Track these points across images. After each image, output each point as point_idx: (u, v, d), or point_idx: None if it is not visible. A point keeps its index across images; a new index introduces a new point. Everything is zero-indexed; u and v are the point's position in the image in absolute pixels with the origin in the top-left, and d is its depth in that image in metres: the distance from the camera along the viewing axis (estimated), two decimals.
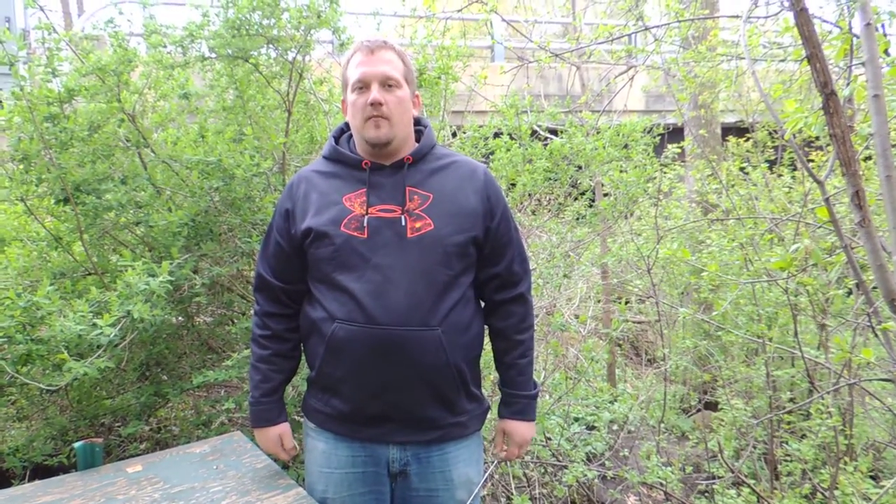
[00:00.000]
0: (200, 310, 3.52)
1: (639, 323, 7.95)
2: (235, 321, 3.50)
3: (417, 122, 2.00)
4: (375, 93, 1.81)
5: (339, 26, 2.79)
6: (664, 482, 3.15)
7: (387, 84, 1.84)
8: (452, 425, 1.91)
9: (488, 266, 1.96)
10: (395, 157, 1.90)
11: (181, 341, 3.36)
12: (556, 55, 4.41)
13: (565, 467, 3.25)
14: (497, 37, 10.31)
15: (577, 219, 4.66)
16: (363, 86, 1.84)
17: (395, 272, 1.77)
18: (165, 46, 2.88)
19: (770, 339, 3.15)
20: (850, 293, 4.34)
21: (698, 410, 6.32)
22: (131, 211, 2.99)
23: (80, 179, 2.70)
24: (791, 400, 3.63)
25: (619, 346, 7.41)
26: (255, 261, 3.29)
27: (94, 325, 2.20)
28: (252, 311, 2.02)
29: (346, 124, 2.04)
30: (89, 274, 2.95)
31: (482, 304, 2.04)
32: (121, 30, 2.87)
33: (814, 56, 1.52)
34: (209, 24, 2.92)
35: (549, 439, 3.52)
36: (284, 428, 1.99)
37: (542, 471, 3.49)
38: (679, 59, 3.87)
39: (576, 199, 4.38)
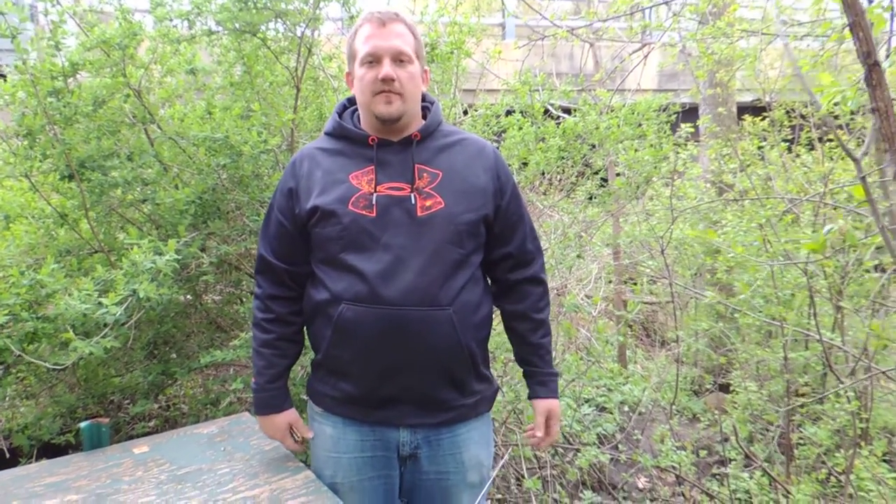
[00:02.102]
0: (209, 288, 3.48)
1: (649, 304, 7.88)
2: (244, 300, 3.47)
3: (423, 98, 1.94)
4: (388, 68, 1.75)
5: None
6: (677, 465, 3.11)
7: (398, 59, 1.78)
8: (463, 406, 1.88)
9: (500, 245, 1.92)
10: (403, 134, 1.84)
11: (189, 320, 3.34)
12: (571, 31, 4.30)
13: (578, 450, 3.21)
14: (509, 13, 10.17)
15: (590, 198, 4.59)
16: (374, 60, 1.77)
17: (405, 251, 1.72)
18: (171, 20, 2.81)
19: (786, 322, 3.08)
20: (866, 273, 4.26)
21: (709, 392, 6.28)
22: (138, 188, 2.95)
23: (84, 156, 2.65)
24: (806, 384, 3.57)
25: (630, 327, 7.36)
26: None
27: (100, 303, 2.17)
28: (253, 294, 1.95)
29: (350, 99, 1.98)
30: (96, 252, 2.92)
31: (494, 285, 2.01)
32: (126, 3, 2.80)
33: (856, 25, 1.43)
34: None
35: (561, 421, 3.48)
36: (292, 415, 1.95)
37: (553, 452, 3.46)
38: (698, 34, 3.76)
39: (588, 178, 4.30)
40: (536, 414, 2.00)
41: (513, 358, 2.26)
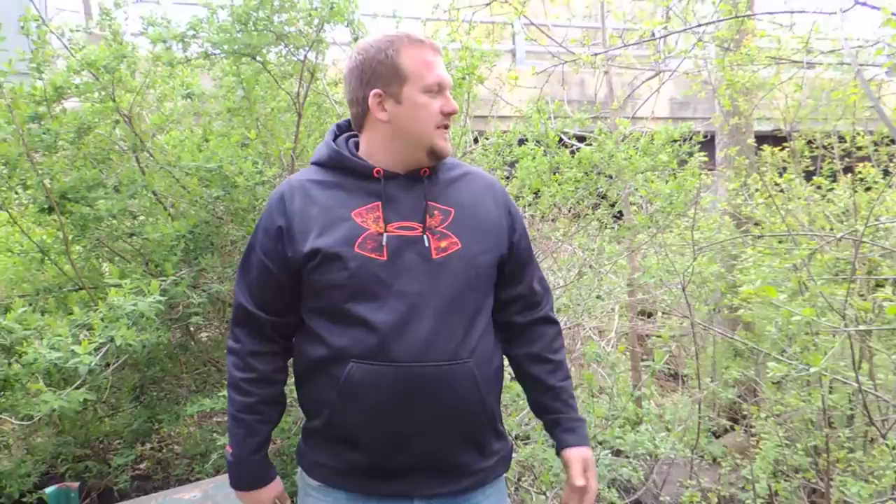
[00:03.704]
0: (202, 327, 3.27)
1: (661, 337, 7.64)
2: None
3: None
4: (454, 102, 1.60)
5: (355, 20, 2.53)
6: None
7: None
8: (482, 470, 1.66)
9: (511, 286, 1.74)
10: (413, 167, 1.63)
11: (180, 361, 3.12)
12: (596, 55, 4.13)
13: None
14: (519, 40, 10.08)
15: (600, 228, 4.40)
16: (440, 89, 1.60)
17: (420, 299, 1.52)
18: (166, 42, 2.63)
19: (826, 370, 2.85)
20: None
21: (726, 431, 6.01)
22: (127, 222, 2.76)
23: (66, 187, 2.45)
24: (841, 436, 3.32)
25: (643, 359, 7.11)
26: None
27: (73, 352, 1.95)
28: (227, 349, 1.69)
29: (346, 125, 1.76)
30: (79, 289, 2.72)
31: (503, 329, 1.80)
32: (117, 23, 2.64)
33: None
34: (214, 20, 2.68)
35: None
36: (279, 486, 1.71)
37: None
38: (724, 61, 3.59)
39: (605, 210, 4.09)
40: (571, 465, 1.71)
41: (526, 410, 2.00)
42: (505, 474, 1.77)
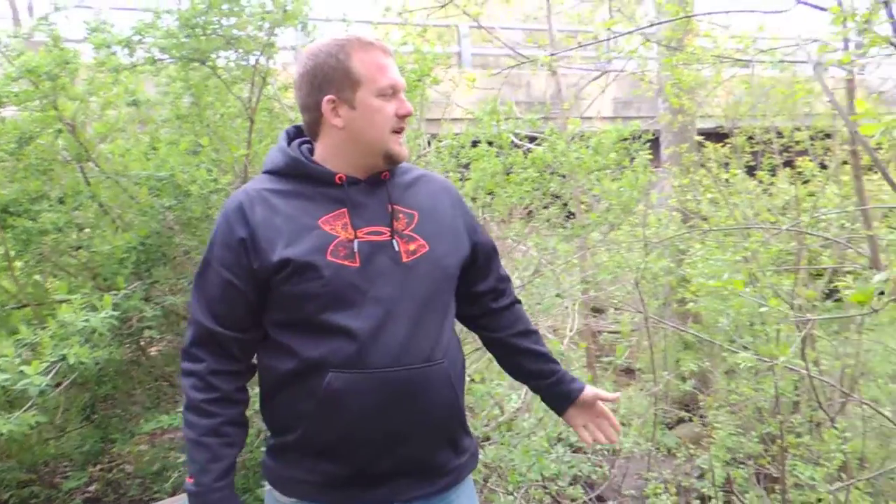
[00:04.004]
0: (154, 341, 3.17)
1: (614, 333, 7.78)
2: None
3: None
4: (409, 104, 1.58)
5: (308, 23, 2.49)
6: None
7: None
8: (456, 468, 1.66)
9: (483, 279, 1.79)
10: (371, 172, 1.61)
11: (132, 377, 3.01)
12: (553, 55, 4.18)
13: None
14: (462, 44, 10.15)
15: (552, 227, 4.46)
16: (393, 92, 1.57)
17: (395, 304, 1.51)
18: (110, 47, 2.54)
19: (775, 358, 2.94)
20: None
21: (678, 423, 6.15)
22: (73, 235, 2.65)
23: (6, 199, 2.34)
24: (810, 421, 3.45)
25: (597, 357, 7.23)
26: None
27: (22, 372, 1.86)
28: (183, 371, 1.59)
29: (294, 131, 1.72)
30: (23, 306, 2.59)
31: (480, 319, 1.85)
32: (56, 28, 2.53)
33: None
34: (160, 24, 2.60)
35: (551, 479, 3.24)
36: None
37: None
38: (672, 60, 3.67)
39: (559, 210, 4.14)
40: (596, 393, 1.79)
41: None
42: (474, 470, 1.79)
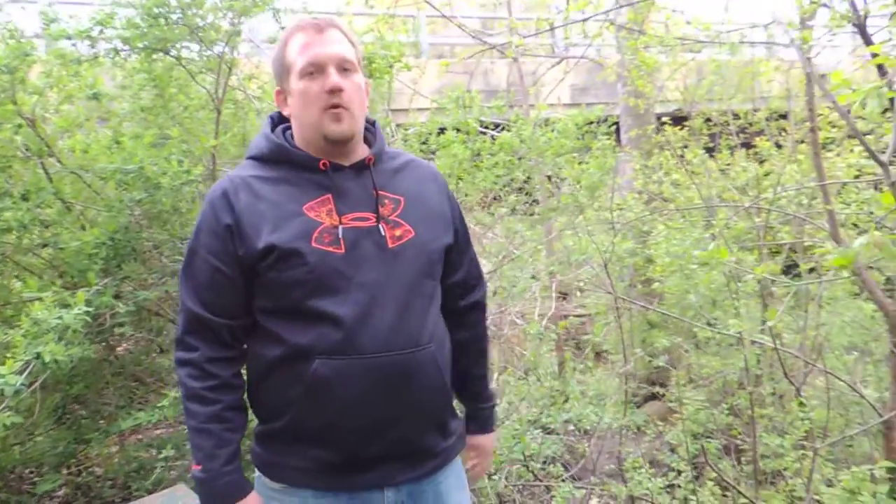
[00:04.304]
0: (123, 338, 3.10)
1: (580, 317, 7.89)
2: (165, 349, 3.12)
3: None
4: (335, 77, 1.51)
5: (279, 11, 2.46)
6: (649, 492, 2.99)
7: (342, 68, 1.54)
8: (444, 451, 1.67)
9: (454, 272, 1.77)
10: (352, 157, 1.61)
11: (102, 377, 2.95)
12: (526, 37, 4.21)
13: (549, 487, 3.04)
14: (418, 33, 10.13)
15: (514, 212, 4.51)
16: (316, 70, 1.52)
17: (380, 289, 1.51)
18: (69, 38, 2.46)
19: (740, 332, 3.04)
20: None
21: (645, 401, 6.29)
22: (36, 231, 2.58)
23: None
24: (773, 393, 3.56)
25: (565, 340, 7.33)
26: None
27: None
28: (177, 361, 1.59)
29: (278, 117, 1.70)
30: None
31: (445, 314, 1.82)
32: (12, 21, 2.45)
33: None
34: (120, 14, 2.53)
35: (531, 457, 3.29)
36: (257, 500, 1.59)
37: (521, 489, 3.27)
38: (637, 43, 3.73)
39: (528, 195, 4.19)
40: (467, 450, 1.84)
41: None
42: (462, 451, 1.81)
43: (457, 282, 1.77)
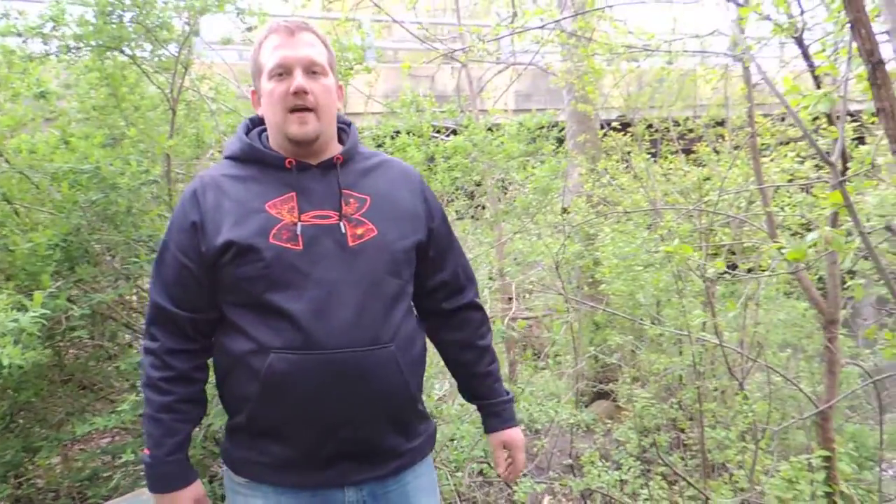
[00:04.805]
0: (73, 344, 3.01)
1: (527, 319, 8.01)
2: (118, 354, 3.04)
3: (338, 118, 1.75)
4: (300, 79, 1.55)
5: (244, 10, 2.44)
6: (605, 486, 3.08)
7: (311, 70, 1.58)
8: (409, 451, 1.69)
9: (435, 273, 1.78)
10: (322, 157, 1.64)
11: (52, 382, 2.85)
12: (485, 41, 4.28)
13: (508, 485, 3.09)
14: (370, 37, 10.12)
15: (457, 214, 4.57)
16: (283, 72, 1.56)
17: (338, 286, 1.53)
18: (20, 35, 2.39)
19: (689, 330, 3.17)
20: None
21: (592, 401, 6.45)
22: None
23: None
24: (715, 389, 3.71)
25: (516, 342, 7.43)
26: (138, 284, 2.85)
27: None
28: (143, 349, 1.64)
29: (255, 118, 1.75)
30: None
31: (431, 317, 1.85)
32: None
33: (858, 22, 1.40)
34: (72, 11, 2.47)
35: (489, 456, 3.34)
36: (199, 489, 1.64)
37: (481, 485, 3.31)
38: (588, 50, 3.84)
39: (478, 198, 4.26)
40: (494, 450, 1.85)
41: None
42: (431, 454, 1.82)
43: (441, 282, 1.79)
